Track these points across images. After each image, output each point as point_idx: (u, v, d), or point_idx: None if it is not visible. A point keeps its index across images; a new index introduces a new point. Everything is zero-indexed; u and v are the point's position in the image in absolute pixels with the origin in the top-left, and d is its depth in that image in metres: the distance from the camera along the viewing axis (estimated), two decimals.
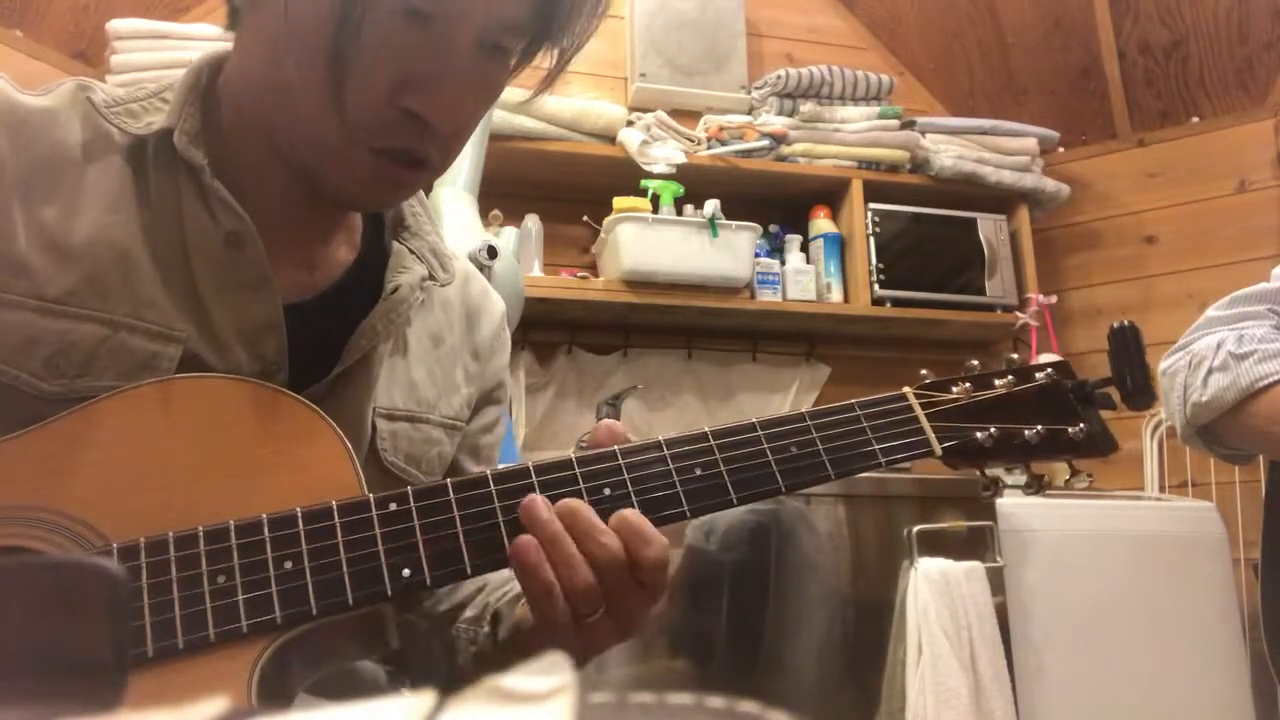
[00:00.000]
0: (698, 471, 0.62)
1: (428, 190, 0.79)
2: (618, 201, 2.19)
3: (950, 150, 2.47)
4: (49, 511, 0.53)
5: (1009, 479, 0.75)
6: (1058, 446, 0.68)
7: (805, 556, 1.71)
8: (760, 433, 0.64)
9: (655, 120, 2.29)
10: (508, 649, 0.66)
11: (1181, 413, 1.21)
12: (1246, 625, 1.94)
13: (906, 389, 0.69)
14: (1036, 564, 1.83)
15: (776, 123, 2.38)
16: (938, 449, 0.67)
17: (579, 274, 2.24)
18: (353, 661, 0.68)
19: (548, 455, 0.66)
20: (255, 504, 0.54)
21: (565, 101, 2.26)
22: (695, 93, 2.49)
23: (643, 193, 2.22)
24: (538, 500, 0.57)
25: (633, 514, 0.58)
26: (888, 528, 1.75)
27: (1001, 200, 2.51)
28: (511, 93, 2.16)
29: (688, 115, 2.44)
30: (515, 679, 0.21)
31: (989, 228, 2.45)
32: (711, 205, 2.21)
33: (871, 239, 2.36)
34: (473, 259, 1.54)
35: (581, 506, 0.57)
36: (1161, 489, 2.30)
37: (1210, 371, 1.16)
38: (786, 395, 2.47)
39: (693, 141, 2.33)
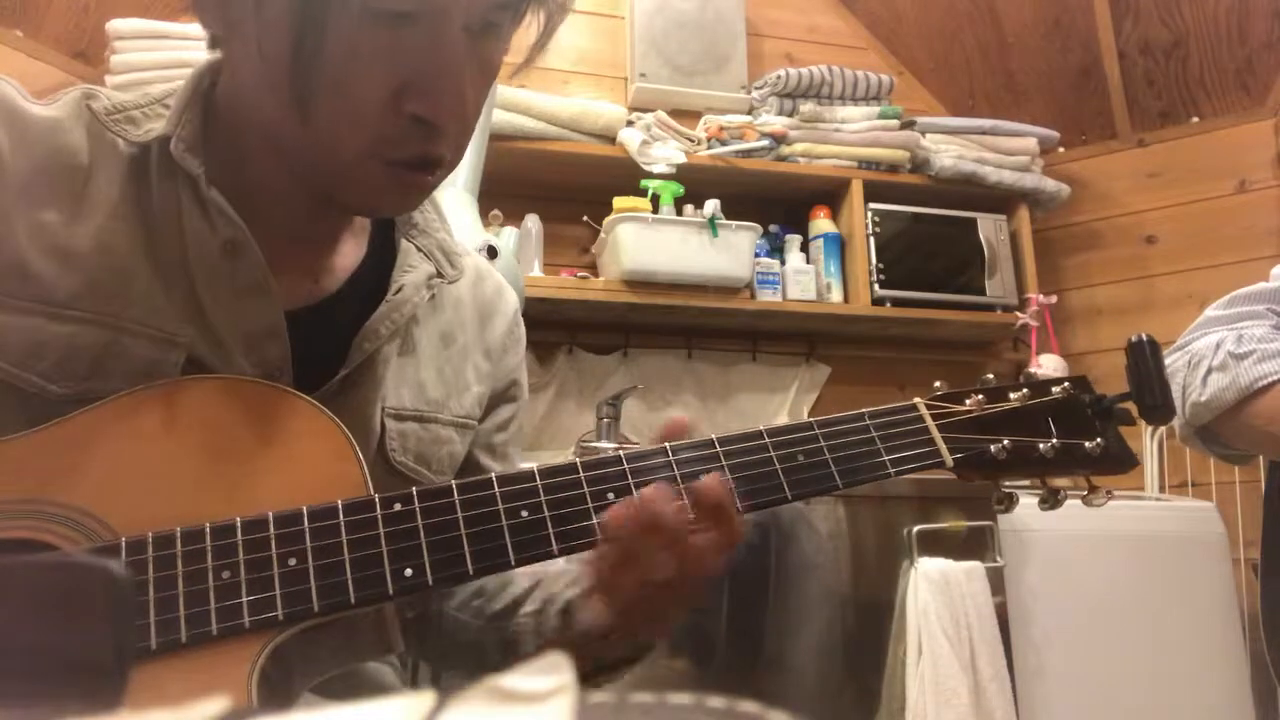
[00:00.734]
0: (702, 479, 0.62)
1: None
2: (618, 201, 2.19)
3: (950, 150, 2.47)
4: (60, 506, 0.54)
5: (1022, 492, 0.74)
6: (1074, 461, 0.68)
7: (805, 556, 1.71)
8: (767, 441, 0.64)
9: (655, 120, 2.29)
10: (585, 636, 0.66)
11: (1181, 413, 1.21)
12: (1246, 625, 1.94)
13: (917, 400, 0.69)
14: (1036, 564, 1.83)
15: (776, 123, 2.38)
16: (949, 460, 0.66)
17: (579, 274, 2.24)
18: (355, 662, 0.68)
19: (548, 456, 0.66)
20: (262, 502, 0.55)
21: (565, 101, 2.26)
22: (695, 93, 2.49)
23: (643, 193, 2.22)
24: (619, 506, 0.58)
25: (711, 488, 0.59)
26: (888, 528, 1.75)
27: (1001, 200, 2.51)
28: (513, 93, 2.14)
29: (688, 115, 2.44)
30: (515, 679, 0.21)
31: (989, 228, 2.45)
32: (711, 205, 2.21)
33: (871, 239, 2.36)
34: None
35: (663, 498, 0.58)
36: (1161, 489, 2.30)
37: (1209, 371, 1.16)
38: (786, 395, 2.47)
39: (693, 141, 2.33)
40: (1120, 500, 2.07)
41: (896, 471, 0.65)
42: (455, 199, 1.69)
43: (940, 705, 1.58)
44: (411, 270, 0.72)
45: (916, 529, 1.74)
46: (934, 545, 1.74)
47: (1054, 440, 0.67)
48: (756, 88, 2.50)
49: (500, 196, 2.17)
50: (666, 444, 0.62)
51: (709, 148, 2.34)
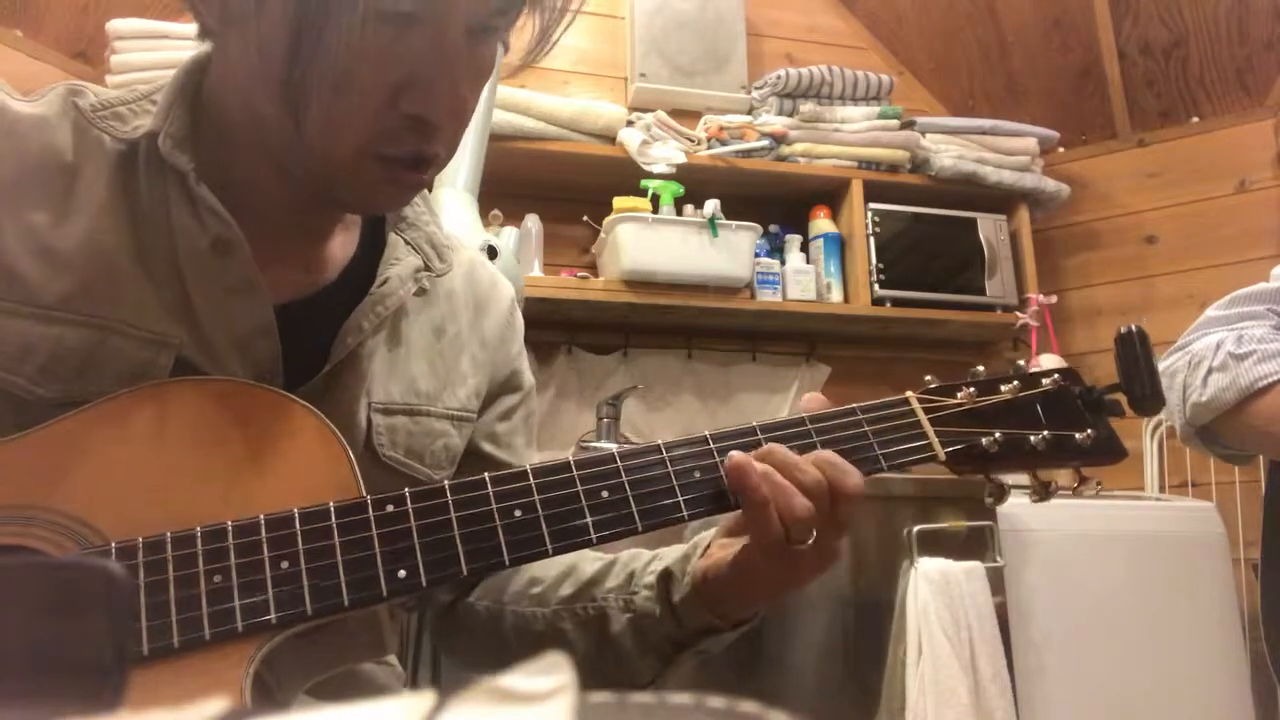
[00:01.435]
0: (697, 475, 0.62)
1: (430, 186, 0.79)
2: (618, 201, 2.19)
3: (950, 150, 2.47)
4: (48, 511, 0.53)
5: (1014, 481, 0.74)
6: (1065, 453, 0.68)
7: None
8: (760, 436, 0.64)
9: (655, 120, 2.29)
10: (691, 602, 0.66)
11: (1181, 413, 1.21)
12: (1246, 625, 1.94)
13: (909, 393, 0.69)
14: (1036, 564, 1.83)
15: (776, 123, 2.38)
16: (941, 454, 0.66)
17: (579, 274, 2.24)
18: (350, 664, 0.68)
19: (548, 456, 0.66)
20: (253, 504, 0.55)
21: (565, 101, 2.26)
22: (695, 93, 2.49)
23: (643, 193, 2.22)
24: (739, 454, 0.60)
25: (828, 451, 0.62)
26: (888, 528, 1.75)
27: (1001, 200, 2.51)
28: (513, 93, 2.14)
29: (688, 115, 2.44)
30: (515, 679, 0.21)
31: (989, 228, 2.45)
32: (711, 205, 2.21)
33: (871, 239, 2.36)
34: None
35: (777, 446, 0.61)
36: (1161, 489, 2.30)
37: (1210, 371, 1.16)
38: (786, 395, 2.46)
39: (693, 141, 2.33)
40: (1120, 500, 2.07)
41: (889, 465, 0.65)
42: (455, 199, 1.69)
43: (940, 705, 1.58)
44: (397, 263, 0.72)
45: (916, 529, 1.74)
46: (934, 545, 1.74)
47: (1045, 432, 0.67)
48: (756, 88, 2.50)
49: (500, 196, 2.17)
50: (660, 441, 0.62)
51: (709, 148, 2.34)
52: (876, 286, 2.33)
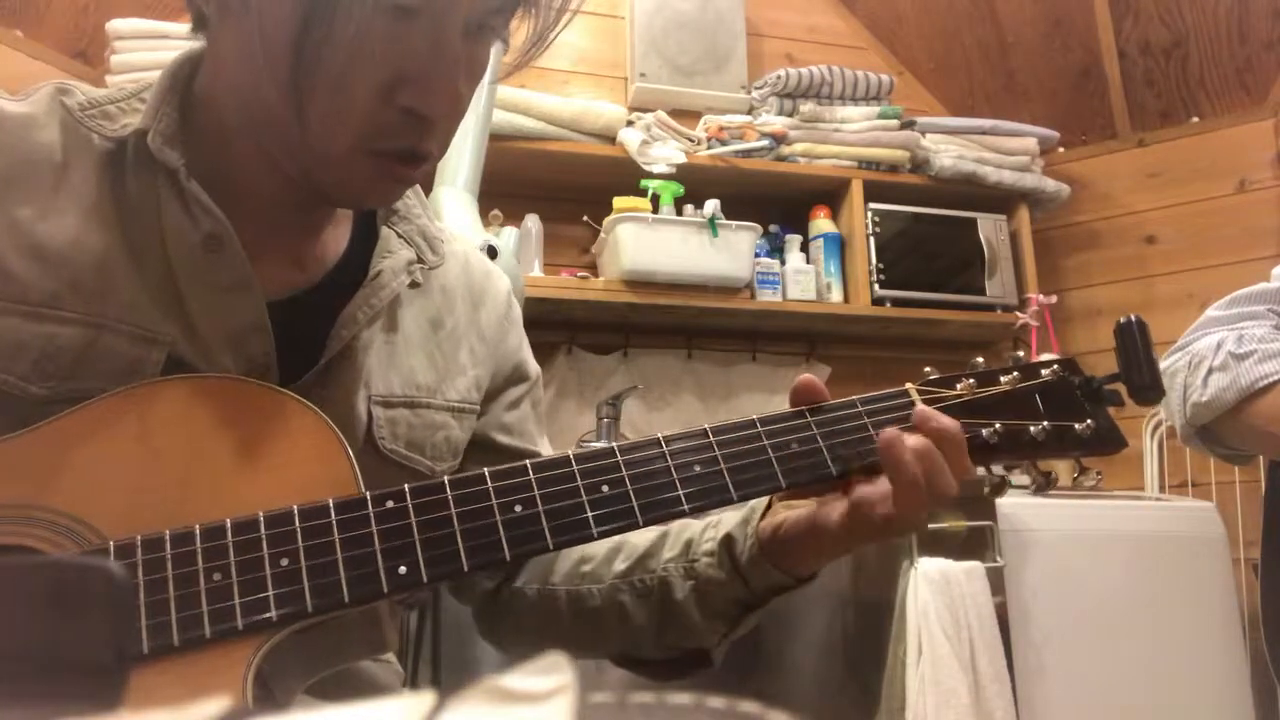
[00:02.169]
0: (697, 469, 0.61)
1: (427, 184, 0.79)
2: (618, 201, 2.19)
3: (950, 150, 2.47)
4: (45, 510, 0.53)
5: (1012, 479, 0.74)
6: (1065, 443, 0.68)
7: None
8: (760, 429, 0.64)
9: (655, 120, 2.29)
10: (759, 562, 0.66)
11: (1181, 413, 1.21)
12: (1246, 625, 1.94)
13: (909, 385, 0.69)
14: (1036, 564, 1.83)
15: (776, 123, 2.38)
16: None
17: (579, 274, 2.24)
18: (350, 661, 0.68)
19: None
20: (252, 502, 0.54)
21: (565, 101, 2.26)
22: (695, 93, 2.49)
23: (643, 193, 2.22)
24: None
25: (950, 422, 0.63)
26: None
27: (1001, 200, 2.51)
28: (513, 93, 2.13)
29: (688, 115, 2.44)
30: (515, 679, 0.21)
31: (989, 228, 2.45)
32: (711, 205, 2.20)
33: (871, 239, 2.36)
34: None
35: (931, 413, 0.63)
36: (1161, 489, 2.30)
37: (1210, 371, 1.16)
38: (787, 395, 2.46)
39: (693, 141, 2.33)
40: (1120, 500, 2.07)
41: None
42: (455, 199, 1.69)
43: (940, 705, 1.58)
44: (390, 256, 0.72)
45: None
46: (934, 545, 1.74)
47: (1044, 423, 0.67)
48: (756, 88, 2.50)
49: (500, 196, 2.17)
50: (660, 435, 0.62)
51: (709, 148, 2.34)
52: (876, 286, 2.33)
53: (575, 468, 0.60)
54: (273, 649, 0.52)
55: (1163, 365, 1.24)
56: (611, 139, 2.26)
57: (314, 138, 0.60)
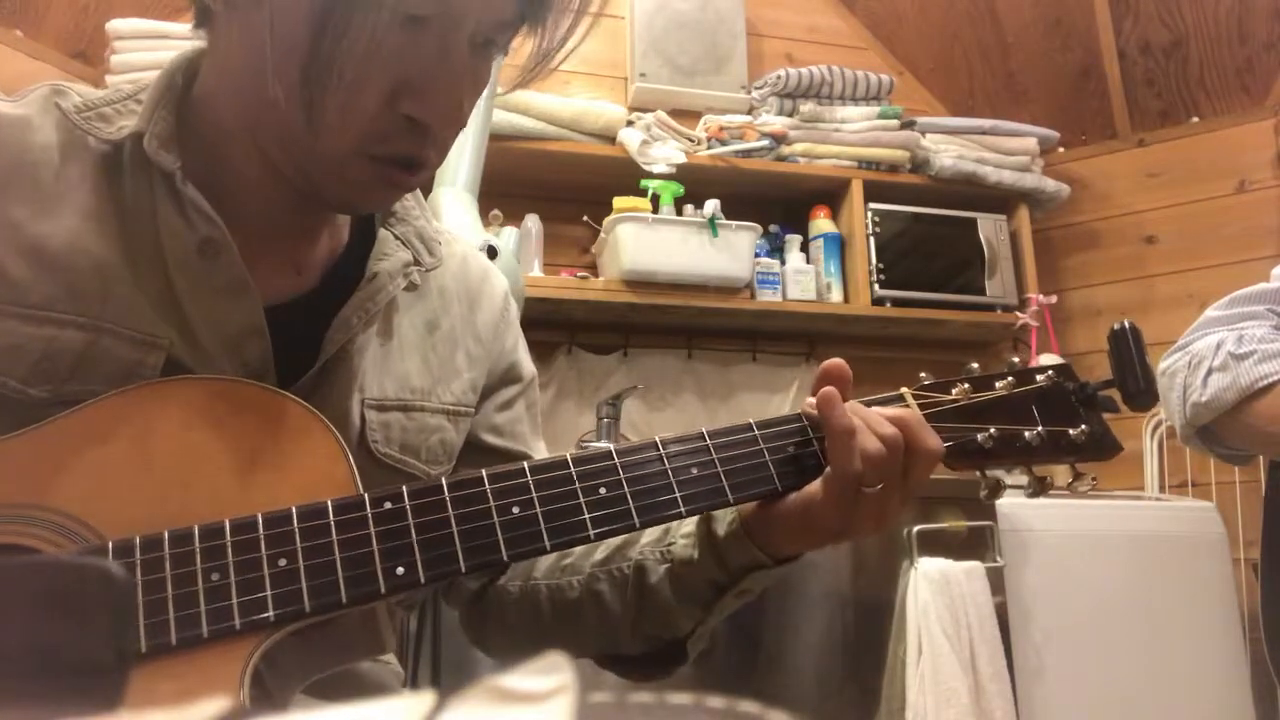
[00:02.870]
0: (694, 472, 0.62)
1: (426, 186, 0.79)
2: (618, 201, 2.19)
3: (950, 150, 2.47)
4: (44, 510, 0.53)
5: (1010, 480, 0.75)
6: (1059, 449, 0.68)
7: (805, 556, 1.70)
8: (756, 433, 0.64)
9: (655, 120, 2.29)
10: (738, 537, 0.66)
11: (1181, 413, 1.21)
12: (1246, 625, 1.94)
13: (904, 389, 0.69)
14: (1036, 564, 1.83)
15: (776, 123, 2.38)
16: None
17: (579, 274, 2.24)
18: (348, 662, 0.67)
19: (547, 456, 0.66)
20: (250, 502, 0.54)
21: (565, 101, 2.26)
22: (695, 93, 2.49)
23: (643, 193, 2.22)
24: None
25: (911, 412, 0.64)
26: None
27: (1001, 200, 2.51)
28: (515, 94, 2.13)
29: (688, 115, 2.44)
30: (515, 679, 0.21)
31: (989, 228, 2.45)
32: (711, 205, 2.21)
33: (871, 239, 2.36)
34: None
35: (860, 406, 0.64)
36: (1161, 489, 2.30)
37: (1210, 372, 1.16)
38: (787, 395, 2.47)
39: (693, 141, 2.33)
40: (1120, 500, 2.07)
41: None
42: (455, 199, 1.69)
43: (940, 705, 1.58)
44: (386, 258, 0.72)
45: (916, 529, 1.74)
46: (934, 545, 1.74)
47: (1039, 428, 0.68)
48: (756, 88, 2.50)
49: (500, 196, 2.17)
50: (657, 438, 0.62)
51: (709, 148, 2.34)
52: (876, 286, 2.33)
53: (573, 470, 0.60)
54: (270, 649, 0.52)
55: (1162, 365, 1.24)
56: (611, 139, 2.27)
57: (314, 137, 0.60)
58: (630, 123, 2.29)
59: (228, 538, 0.53)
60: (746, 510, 0.66)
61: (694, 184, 2.27)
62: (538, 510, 0.58)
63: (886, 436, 0.61)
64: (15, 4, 2.05)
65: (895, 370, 2.50)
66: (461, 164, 1.74)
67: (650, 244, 2.15)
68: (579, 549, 0.75)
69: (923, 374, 0.71)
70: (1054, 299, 2.44)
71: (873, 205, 2.38)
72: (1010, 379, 0.70)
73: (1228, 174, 2.52)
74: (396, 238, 0.74)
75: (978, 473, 0.70)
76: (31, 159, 0.62)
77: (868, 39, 2.82)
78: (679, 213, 2.25)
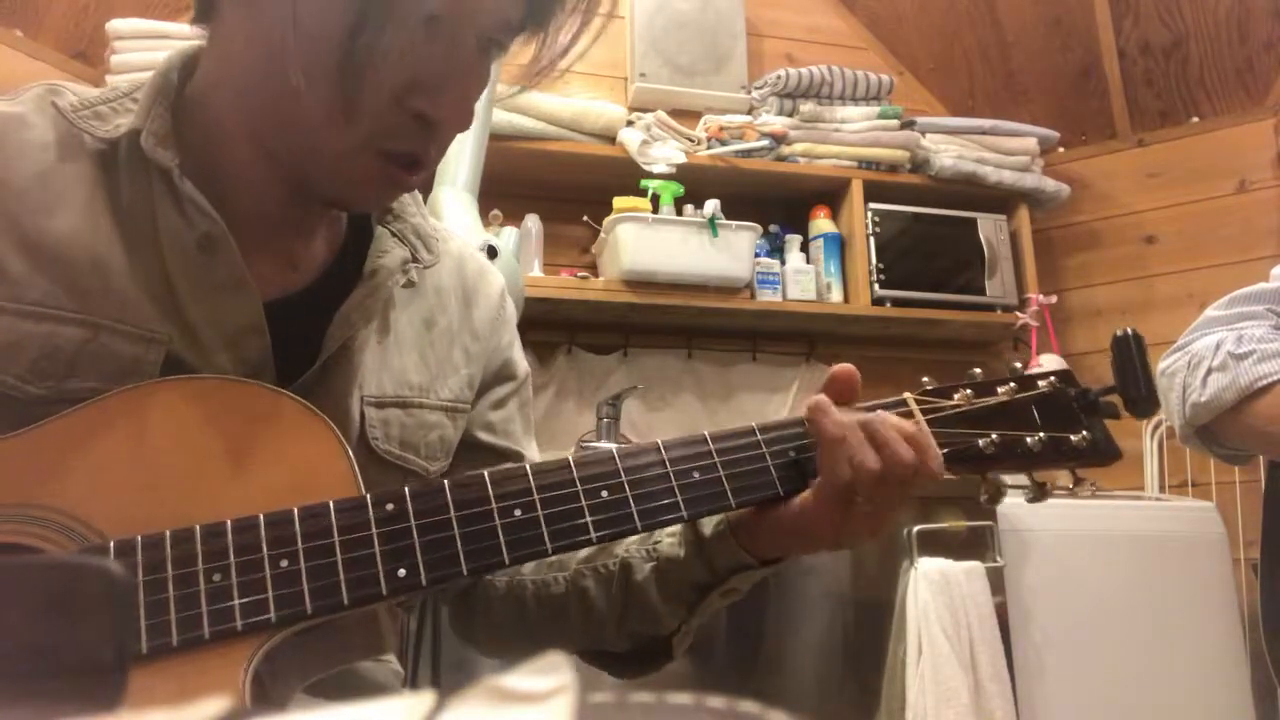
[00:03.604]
0: (695, 476, 0.62)
1: (425, 186, 0.79)
2: (618, 201, 2.19)
3: (950, 150, 2.47)
4: (45, 509, 0.53)
5: (1010, 481, 0.75)
6: (1061, 455, 0.68)
7: (805, 557, 1.71)
8: (759, 437, 0.64)
9: (655, 120, 2.29)
10: (725, 537, 0.66)
11: (1180, 413, 1.21)
12: (1246, 625, 1.94)
13: (907, 395, 0.69)
14: (1036, 564, 1.83)
15: (776, 123, 2.38)
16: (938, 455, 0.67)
17: (579, 274, 2.24)
18: (349, 663, 0.68)
19: (548, 456, 0.66)
20: (251, 501, 0.54)
21: (565, 101, 2.26)
22: (695, 93, 2.49)
23: (643, 193, 2.22)
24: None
25: (920, 427, 0.63)
26: None
27: (1001, 200, 2.51)
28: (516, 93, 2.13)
29: (688, 115, 2.44)
30: (515, 678, 0.21)
31: (989, 228, 2.45)
32: (711, 205, 2.20)
33: (871, 239, 2.36)
34: None
35: (865, 415, 0.63)
36: (1161, 489, 2.30)
37: (1209, 371, 1.16)
38: (787, 395, 2.47)
39: (693, 141, 2.33)
40: (1120, 500, 2.07)
41: None
42: (455, 199, 1.69)
43: (940, 705, 1.58)
44: (385, 255, 0.72)
45: (916, 529, 1.74)
46: (934, 545, 1.74)
47: (1040, 434, 0.68)
48: (756, 88, 2.50)
49: (500, 196, 2.17)
50: (659, 441, 0.62)
51: (709, 148, 2.34)
52: (876, 286, 2.33)
53: (575, 473, 0.60)
54: (271, 650, 0.52)
55: (1162, 365, 1.24)
56: (611, 139, 2.26)
57: (320, 133, 0.60)
58: (630, 123, 2.29)
59: (229, 538, 0.53)
60: (736, 511, 0.66)
61: (694, 184, 2.27)
62: (539, 513, 0.58)
63: (887, 452, 0.61)
64: (15, 4, 2.05)
65: (895, 370, 2.51)
66: (461, 164, 1.74)
67: (650, 244, 2.15)
68: None
69: (925, 379, 0.71)
70: (1054, 299, 2.44)
71: (873, 205, 2.38)
72: (1012, 385, 0.70)
73: (1228, 174, 2.52)
74: (394, 235, 0.74)
75: (979, 478, 0.70)
76: (27, 158, 0.62)
77: (868, 39, 2.82)
78: (679, 213, 2.25)
